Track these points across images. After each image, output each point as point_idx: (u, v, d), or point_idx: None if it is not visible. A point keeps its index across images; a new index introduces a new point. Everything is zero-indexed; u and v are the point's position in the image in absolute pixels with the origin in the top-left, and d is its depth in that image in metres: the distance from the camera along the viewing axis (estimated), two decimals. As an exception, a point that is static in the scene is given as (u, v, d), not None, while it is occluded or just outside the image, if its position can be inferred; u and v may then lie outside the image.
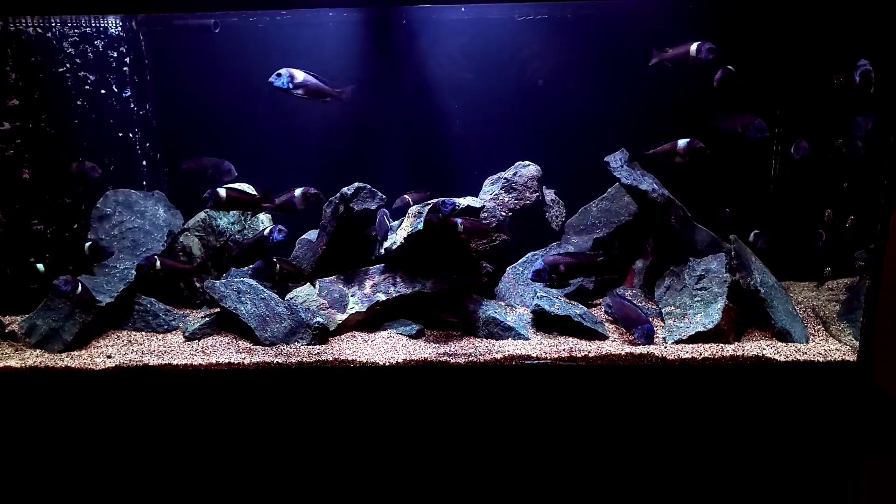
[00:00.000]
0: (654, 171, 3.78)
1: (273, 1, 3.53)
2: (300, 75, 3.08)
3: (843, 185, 3.67)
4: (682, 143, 3.28)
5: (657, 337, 3.28)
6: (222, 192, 3.18)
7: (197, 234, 3.93)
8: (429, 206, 3.46)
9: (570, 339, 3.30)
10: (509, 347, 3.19)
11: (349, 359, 3.11)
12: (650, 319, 3.29)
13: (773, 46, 3.73)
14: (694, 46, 3.17)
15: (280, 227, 3.43)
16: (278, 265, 3.31)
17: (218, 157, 3.70)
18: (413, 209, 3.61)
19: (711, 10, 3.73)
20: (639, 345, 3.21)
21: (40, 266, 3.46)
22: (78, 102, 3.73)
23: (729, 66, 3.29)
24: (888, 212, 2.72)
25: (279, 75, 3.07)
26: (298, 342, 3.33)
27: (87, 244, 3.51)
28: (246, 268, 3.66)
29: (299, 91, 3.09)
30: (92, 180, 3.60)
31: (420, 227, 3.49)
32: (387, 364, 3.06)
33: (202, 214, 3.96)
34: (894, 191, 2.67)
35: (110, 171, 3.85)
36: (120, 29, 3.78)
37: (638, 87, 3.87)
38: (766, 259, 3.57)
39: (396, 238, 3.63)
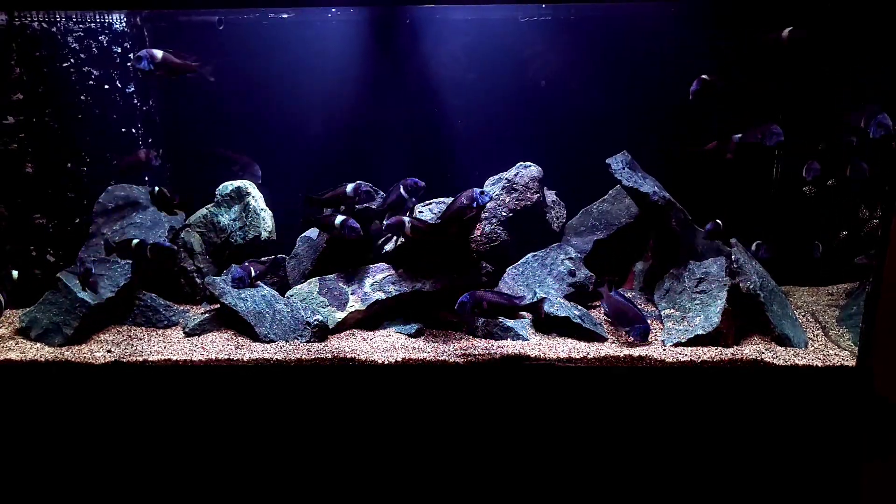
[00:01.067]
0: (655, 174, 3.78)
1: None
2: (159, 54, 3.17)
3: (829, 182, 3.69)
4: (734, 139, 3.29)
5: (656, 339, 3.28)
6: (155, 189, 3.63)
7: (198, 230, 3.94)
8: (434, 203, 3.47)
9: (569, 340, 3.30)
10: (508, 348, 3.19)
11: (348, 357, 3.12)
12: (647, 319, 3.29)
13: (773, 47, 3.73)
14: (786, 32, 3.19)
15: (353, 221, 3.38)
16: (252, 269, 3.37)
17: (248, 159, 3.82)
18: (417, 207, 3.62)
19: (712, 12, 3.73)
20: (635, 343, 3.22)
21: (15, 273, 3.47)
22: (82, 97, 3.74)
23: (704, 76, 3.30)
24: (889, 217, 2.71)
25: (140, 58, 3.13)
26: (298, 339, 3.34)
27: (148, 246, 3.47)
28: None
29: (161, 71, 3.18)
30: (153, 168, 3.66)
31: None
32: (386, 363, 3.07)
33: (203, 211, 3.97)
34: (894, 197, 2.66)
35: (113, 165, 3.87)
36: (124, 24, 3.79)
37: (639, 88, 3.88)
38: (767, 263, 3.57)
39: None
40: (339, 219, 3.36)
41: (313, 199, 3.54)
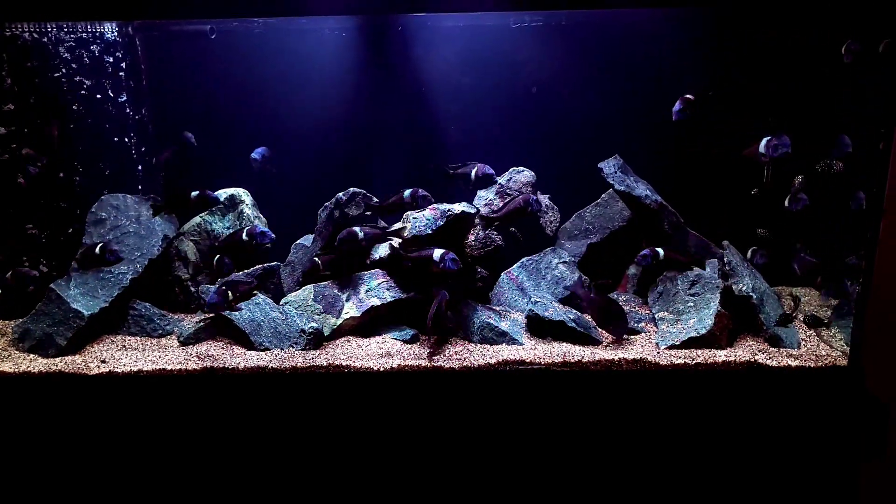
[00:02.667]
0: (648, 177, 3.81)
1: (270, 8, 3.54)
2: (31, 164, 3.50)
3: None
4: (763, 142, 3.30)
5: (650, 342, 3.30)
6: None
7: (192, 238, 3.93)
8: (439, 209, 3.48)
9: (564, 344, 3.31)
10: (504, 353, 3.20)
11: (344, 364, 3.12)
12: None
13: (768, 49, 3.77)
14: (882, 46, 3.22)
15: (453, 254, 3.26)
16: (229, 292, 3.29)
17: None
18: (408, 214, 3.63)
19: (708, 15, 3.76)
20: (625, 342, 3.24)
21: None
22: (74, 107, 3.73)
23: (688, 96, 3.31)
24: (878, 218, 2.74)
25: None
26: (293, 347, 3.33)
27: (247, 229, 3.45)
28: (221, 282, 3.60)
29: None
30: (192, 146, 3.66)
31: (415, 232, 3.50)
32: (381, 369, 3.07)
33: (197, 219, 3.96)
34: (883, 198, 2.70)
35: (105, 175, 3.86)
36: (116, 34, 3.79)
37: (631, 93, 3.91)
38: (762, 268, 3.60)
39: (392, 243, 3.64)
40: (438, 253, 3.27)
41: (373, 207, 3.54)
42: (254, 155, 3.72)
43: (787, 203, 3.62)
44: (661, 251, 3.33)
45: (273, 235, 3.59)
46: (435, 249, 3.32)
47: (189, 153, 3.71)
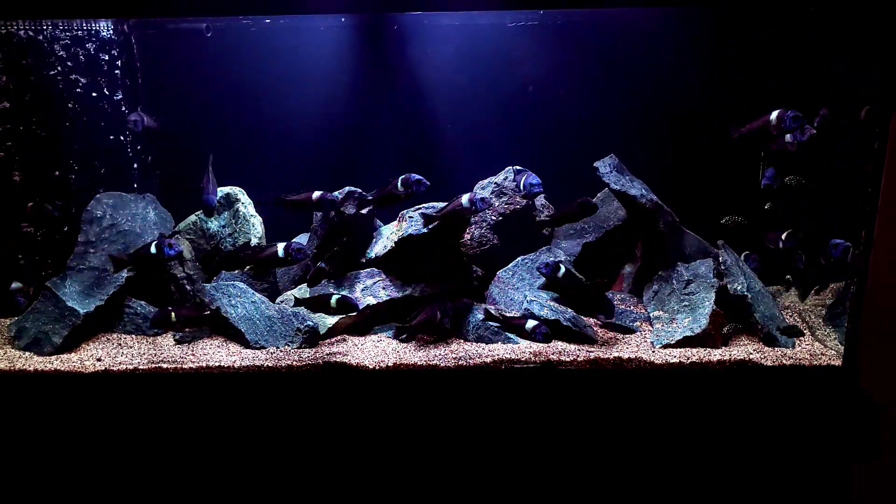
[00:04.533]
0: (645, 177, 3.81)
1: (266, 7, 3.54)
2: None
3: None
4: (774, 114, 3.20)
5: (645, 341, 3.30)
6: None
7: (188, 237, 3.93)
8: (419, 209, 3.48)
9: (560, 342, 3.32)
10: (499, 351, 3.21)
11: (339, 362, 3.12)
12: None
13: (766, 47, 3.77)
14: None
15: (545, 329, 3.21)
16: (174, 313, 3.25)
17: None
18: (404, 212, 3.63)
19: (706, 14, 3.75)
20: (622, 341, 3.25)
21: None
22: (69, 105, 3.72)
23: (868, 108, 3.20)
24: (873, 219, 2.75)
25: None
26: (289, 346, 3.34)
27: (398, 185, 3.33)
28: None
29: None
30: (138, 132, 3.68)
31: (411, 231, 3.51)
32: (377, 368, 3.07)
33: (193, 217, 3.96)
34: (878, 198, 2.70)
35: (101, 173, 3.85)
36: (112, 32, 3.78)
37: (628, 92, 3.91)
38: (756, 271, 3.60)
39: (387, 242, 3.64)
40: (532, 324, 3.22)
41: (431, 218, 3.45)
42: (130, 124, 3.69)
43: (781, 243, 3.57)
44: (562, 267, 3.31)
45: (427, 183, 3.41)
46: (529, 321, 3.27)
47: (146, 137, 3.68)
